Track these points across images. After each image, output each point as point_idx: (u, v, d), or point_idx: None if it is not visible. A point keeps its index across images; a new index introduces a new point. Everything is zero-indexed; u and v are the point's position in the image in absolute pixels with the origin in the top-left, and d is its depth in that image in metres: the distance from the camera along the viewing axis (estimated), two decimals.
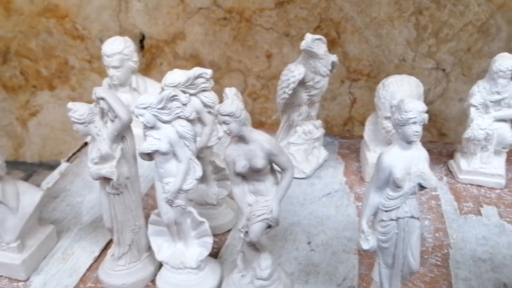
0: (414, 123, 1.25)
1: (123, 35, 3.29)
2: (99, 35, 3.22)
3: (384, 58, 3.00)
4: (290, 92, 1.86)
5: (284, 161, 1.41)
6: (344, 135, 2.39)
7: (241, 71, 3.19)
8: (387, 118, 1.87)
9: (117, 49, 2.04)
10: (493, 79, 1.85)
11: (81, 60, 3.34)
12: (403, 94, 1.82)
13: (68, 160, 2.27)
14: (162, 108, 1.40)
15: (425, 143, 2.29)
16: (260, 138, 1.38)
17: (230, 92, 1.38)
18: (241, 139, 1.38)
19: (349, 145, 2.28)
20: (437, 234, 1.78)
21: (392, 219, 1.31)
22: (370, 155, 1.96)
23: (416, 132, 1.26)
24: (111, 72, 2.09)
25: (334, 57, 1.89)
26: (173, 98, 1.41)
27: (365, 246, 1.35)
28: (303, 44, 1.76)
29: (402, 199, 1.29)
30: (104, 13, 3.17)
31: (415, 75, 3.02)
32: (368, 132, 1.99)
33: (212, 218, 1.80)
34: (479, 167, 1.95)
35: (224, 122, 1.34)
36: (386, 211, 1.31)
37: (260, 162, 1.37)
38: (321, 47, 1.80)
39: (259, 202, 1.43)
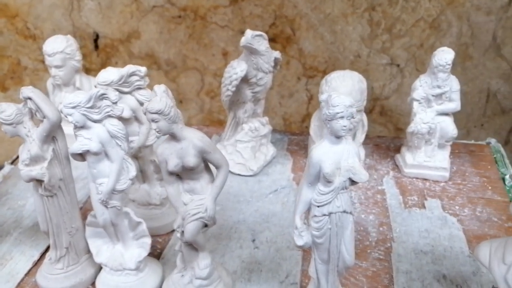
0: (342, 117, 1.25)
1: (76, 35, 3.24)
2: (51, 34, 3.13)
3: (339, 54, 3.01)
4: (233, 89, 1.85)
5: (218, 159, 1.39)
6: (294, 132, 2.38)
7: (198, 70, 3.16)
8: None
9: (58, 48, 2.00)
10: (434, 73, 1.87)
11: (34, 60, 3.26)
12: (345, 89, 1.82)
13: (12, 163, 2.21)
14: (91, 107, 1.37)
15: (373, 137, 2.32)
16: (191, 136, 1.36)
17: (159, 89, 1.35)
18: (172, 137, 1.36)
19: (298, 141, 2.28)
20: (381, 228, 1.78)
21: (324, 214, 1.31)
22: None
23: (344, 126, 1.26)
24: (53, 71, 2.04)
25: (276, 54, 1.88)
26: (102, 96, 1.38)
27: (299, 242, 1.34)
28: (243, 41, 1.75)
29: (333, 194, 1.29)
30: (55, 12, 3.10)
31: (370, 71, 3.06)
32: (314, 128, 1.98)
33: (156, 218, 1.78)
34: (423, 160, 1.96)
35: (153, 120, 1.32)
36: (318, 206, 1.31)
37: (192, 160, 1.35)
38: (262, 44, 1.79)
39: (194, 201, 1.42)
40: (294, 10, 2.92)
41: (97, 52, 3.20)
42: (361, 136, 1.98)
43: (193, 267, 1.51)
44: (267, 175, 2.05)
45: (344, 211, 1.31)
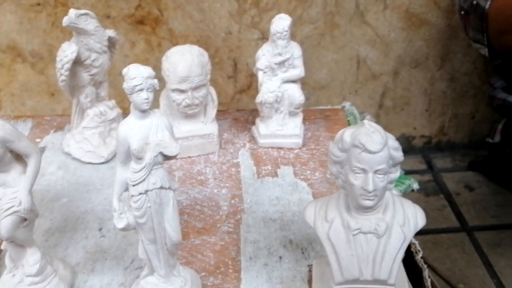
0: (141, 90, 1.20)
1: None
2: None
3: (210, 32, 2.97)
4: (66, 73, 1.76)
5: (25, 147, 1.30)
6: None
7: None
8: (174, 90, 1.83)
9: None
10: (274, 41, 1.87)
11: None
12: (184, 63, 1.79)
13: None
14: None
15: (232, 112, 2.30)
16: None
17: None
18: None
19: None
20: (232, 201, 1.77)
21: (141, 193, 1.26)
22: None
23: (146, 99, 1.21)
24: None
25: (111, 33, 1.80)
26: None
27: (120, 224, 1.30)
28: (65, 21, 1.66)
29: (146, 170, 1.24)
30: None
31: (243, 47, 3.04)
32: (163, 107, 1.93)
33: None
34: (276, 129, 1.96)
35: None
36: (134, 185, 1.26)
37: None
38: (90, 23, 1.70)
39: (7, 194, 1.32)
40: None
41: None
42: (212, 111, 1.95)
43: (23, 265, 1.42)
44: None
45: (161, 187, 1.27)
